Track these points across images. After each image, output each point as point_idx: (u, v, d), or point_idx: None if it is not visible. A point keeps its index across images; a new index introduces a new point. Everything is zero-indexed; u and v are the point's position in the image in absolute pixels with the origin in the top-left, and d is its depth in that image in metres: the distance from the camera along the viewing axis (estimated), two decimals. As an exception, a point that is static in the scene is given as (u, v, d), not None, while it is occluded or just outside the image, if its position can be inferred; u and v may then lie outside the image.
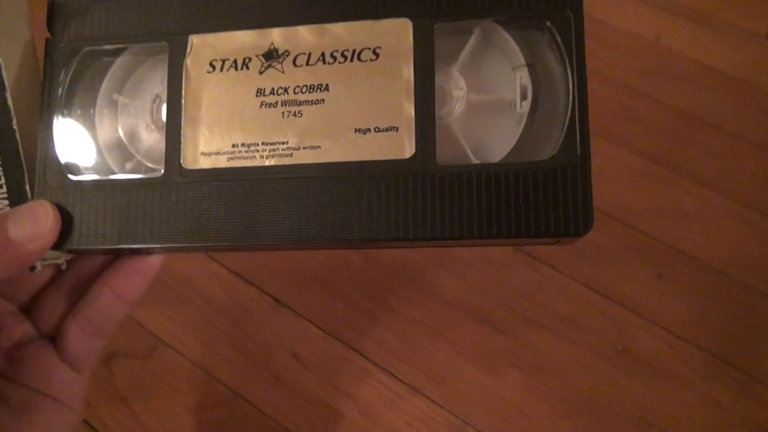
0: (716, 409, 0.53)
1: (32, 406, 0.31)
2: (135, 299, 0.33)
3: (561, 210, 0.27)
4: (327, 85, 0.30)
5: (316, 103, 0.29)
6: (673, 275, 0.57)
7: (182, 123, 0.30)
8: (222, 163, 0.30)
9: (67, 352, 0.32)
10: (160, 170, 0.31)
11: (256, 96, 0.30)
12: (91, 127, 0.33)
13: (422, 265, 0.59)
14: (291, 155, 0.29)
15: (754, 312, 0.55)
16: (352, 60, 0.29)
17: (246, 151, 0.30)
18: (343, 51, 0.30)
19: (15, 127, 0.30)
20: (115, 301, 0.32)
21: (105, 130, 0.33)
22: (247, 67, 0.30)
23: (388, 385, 0.56)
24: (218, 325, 0.59)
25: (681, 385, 0.54)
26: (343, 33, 0.30)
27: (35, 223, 0.29)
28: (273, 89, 0.30)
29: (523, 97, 0.30)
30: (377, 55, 0.29)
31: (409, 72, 0.29)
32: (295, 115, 0.30)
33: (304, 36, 0.30)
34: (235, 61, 0.30)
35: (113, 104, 0.34)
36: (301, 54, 0.30)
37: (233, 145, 0.30)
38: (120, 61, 0.33)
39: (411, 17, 0.29)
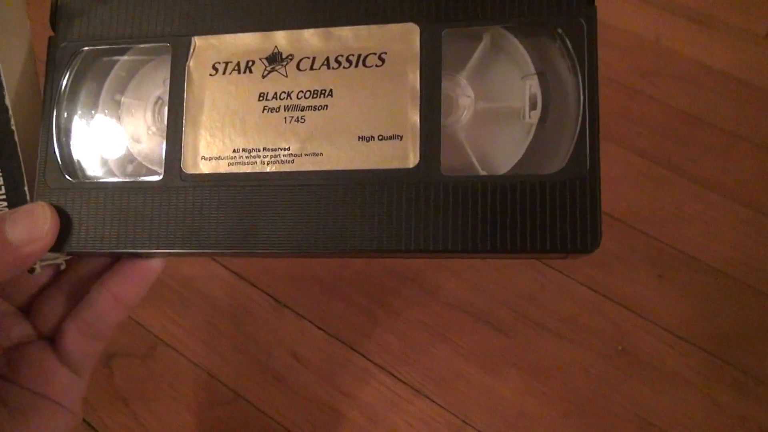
0: (716, 409, 0.53)
1: (30, 407, 0.31)
2: (134, 303, 0.32)
3: (568, 225, 0.26)
4: (331, 90, 0.29)
5: (319, 109, 0.29)
6: (673, 275, 0.57)
7: (183, 126, 0.30)
8: (222, 168, 0.29)
9: (65, 354, 0.32)
10: (160, 173, 0.30)
11: (259, 100, 0.30)
12: (92, 127, 0.33)
13: (423, 265, 0.59)
14: (293, 162, 0.29)
15: (754, 312, 0.56)
16: (357, 65, 0.29)
17: (247, 157, 0.29)
18: (348, 56, 0.29)
19: (13, 127, 0.30)
20: (114, 304, 0.32)
21: (106, 132, 0.33)
22: (250, 71, 0.30)
23: (388, 385, 0.55)
24: (219, 326, 0.59)
25: (681, 384, 0.54)
26: (349, 37, 0.29)
27: (33, 225, 0.29)
28: (276, 94, 0.30)
29: (533, 106, 0.29)
30: (383, 61, 0.29)
31: (415, 78, 0.28)
32: (298, 121, 0.29)
33: (309, 40, 0.30)
34: (238, 64, 0.30)
35: (115, 105, 0.33)
36: (305, 58, 0.29)
37: (234, 150, 0.29)
38: (122, 61, 0.33)
39: (418, 22, 0.29)
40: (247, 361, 0.57)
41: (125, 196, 0.30)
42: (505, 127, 0.30)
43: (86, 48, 0.32)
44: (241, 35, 0.30)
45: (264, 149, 0.29)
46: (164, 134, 0.30)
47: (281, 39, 0.30)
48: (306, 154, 0.29)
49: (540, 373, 0.55)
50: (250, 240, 0.29)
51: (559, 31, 0.28)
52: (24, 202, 0.30)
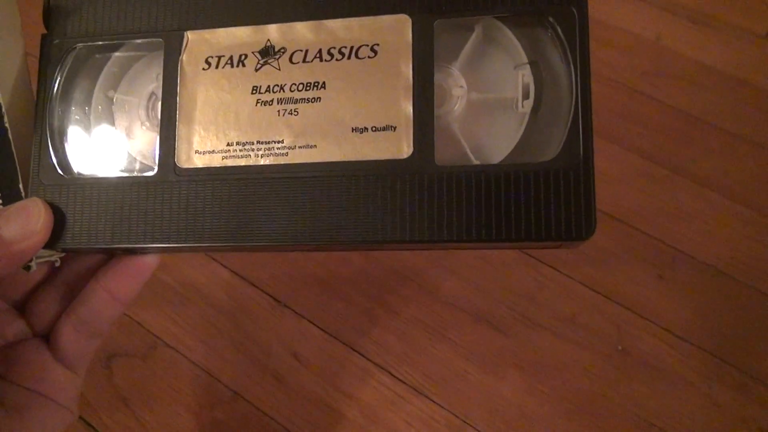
0: (716, 409, 0.53)
1: (26, 405, 0.31)
2: (129, 299, 0.32)
3: (563, 213, 0.26)
4: (324, 82, 0.29)
5: (312, 101, 0.29)
6: (673, 275, 0.57)
7: (177, 121, 0.30)
8: (216, 161, 0.30)
9: (60, 351, 0.32)
10: (154, 168, 0.30)
11: (252, 94, 0.30)
12: (86, 124, 0.33)
13: (422, 265, 0.59)
14: (286, 154, 0.29)
15: (754, 312, 0.55)
16: (349, 57, 0.29)
17: (241, 150, 0.29)
18: (341, 48, 0.29)
19: (7, 125, 0.30)
20: (109, 301, 0.32)
21: (100, 128, 0.33)
22: (243, 64, 0.30)
23: (388, 385, 0.55)
24: (218, 326, 0.59)
25: (681, 385, 0.54)
26: (341, 29, 0.29)
27: (27, 221, 0.29)
28: (269, 87, 0.30)
29: (525, 96, 0.29)
30: (375, 53, 0.29)
31: (407, 70, 0.28)
32: (291, 114, 0.29)
33: (301, 32, 0.30)
34: (231, 58, 0.30)
35: (108, 101, 0.33)
36: (297, 51, 0.30)
37: (228, 144, 0.30)
38: (115, 57, 0.33)
39: (410, 13, 0.29)
40: (247, 361, 0.57)
41: (119, 192, 0.30)
42: (498, 117, 0.30)
43: (79, 45, 0.32)
44: (233, 29, 0.30)
45: (258, 142, 0.29)
46: (158, 129, 0.31)
47: (274, 32, 0.30)
48: (300, 147, 0.29)
49: (540, 373, 0.55)
50: (244, 233, 0.29)
51: (551, 20, 0.28)
52: (19, 199, 0.30)
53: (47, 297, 0.33)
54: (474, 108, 0.30)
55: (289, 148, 0.29)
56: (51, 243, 0.30)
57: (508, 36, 0.29)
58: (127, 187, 0.30)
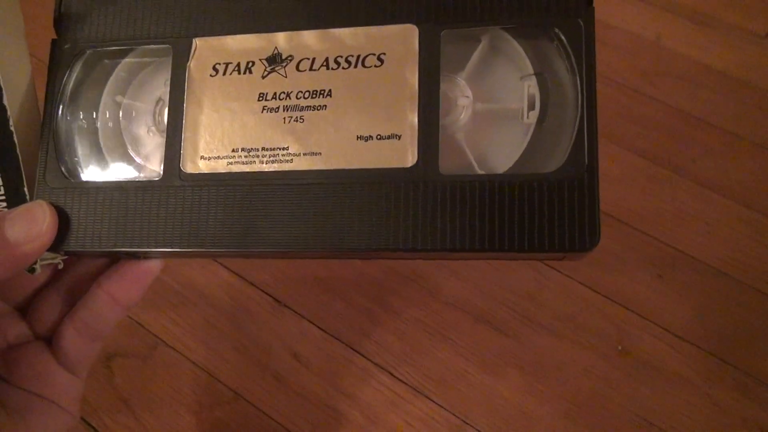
0: (716, 410, 0.53)
1: (27, 407, 0.31)
2: (132, 304, 0.32)
3: (566, 224, 0.26)
4: (330, 90, 0.29)
5: (318, 109, 0.29)
6: (673, 275, 0.57)
7: (183, 126, 0.30)
8: (221, 167, 0.30)
9: (62, 354, 0.32)
10: (159, 173, 0.30)
11: (258, 100, 0.30)
12: (93, 128, 0.33)
13: (422, 265, 0.59)
14: (291, 161, 0.29)
15: (754, 312, 0.55)
16: (356, 66, 0.29)
17: (246, 156, 0.29)
18: (347, 56, 0.29)
19: (12, 128, 0.30)
20: (111, 304, 0.32)
21: (107, 132, 0.33)
22: (250, 72, 0.30)
23: (388, 385, 0.55)
24: (219, 326, 0.59)
25: (681, 385, 0.54)
26: (348, 38, 0.29)
27: (32, 224, 0.29)
28: (275, 94, 0.30)
29: (531, 107, 0.29)
30: (382, 62, 0.29)
31: (413, 79, 0.28)
32: (297, 121, 0.29)
33: (308, 40, 0.30)
34: (238, 65, 0.30)
35: (116, 106, 0.34)
36: (304, 59, 0.30)
37: (233, 150, 0.30)
38: (124, 63, 0.33)
39: (417, 23, 0.29)
40: (247, 361, 0.57)
41: (124, 196, 0.30)
42: (504, 128, 0.30)
43: (89, 50, 0.32)
44: (241, 36, 0.30)
45: (263, 149, 0.29)
46: (164, 134, 0.31)
47: (281, 40, 0.30)
48: (305, 154, 0.29)
49: (540, 373, 0.55)
50: (248, 239, 0.29)
51: (558, 32, 0.28)
52: (24, 202, 0.30)
53: (50, 300, 0.33)
54: (479, 118, 0.30)
55: (294, 155, 0.29)
56: (55, 246, 0.30)
57: (515, 47, 0.29)
58: (132, 192, 0.30)
